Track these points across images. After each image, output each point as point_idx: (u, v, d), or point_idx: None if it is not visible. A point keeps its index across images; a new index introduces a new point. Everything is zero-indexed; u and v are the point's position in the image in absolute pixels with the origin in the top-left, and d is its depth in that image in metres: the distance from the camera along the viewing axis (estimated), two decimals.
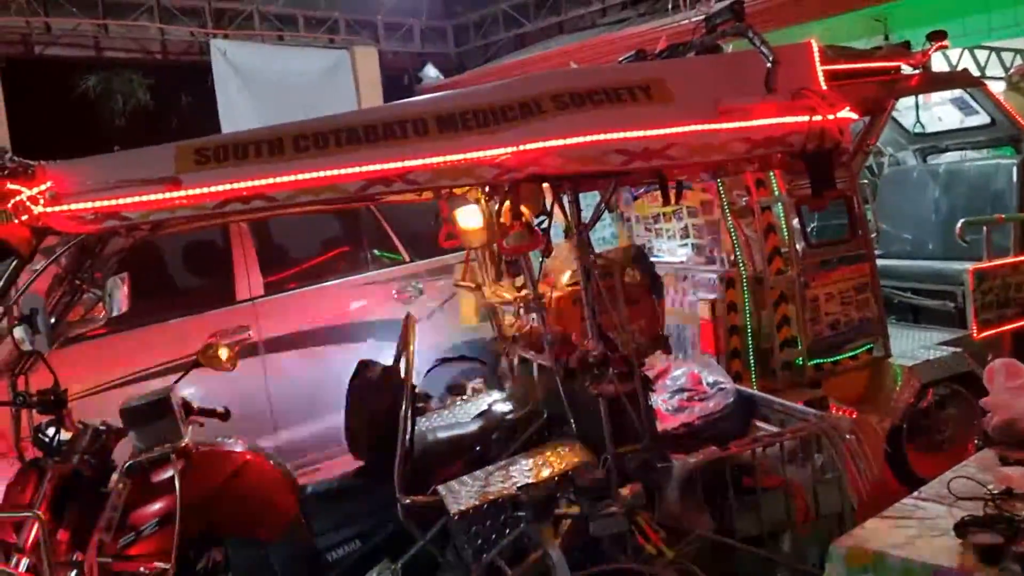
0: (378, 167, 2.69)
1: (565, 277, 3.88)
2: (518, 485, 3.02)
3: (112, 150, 2.99)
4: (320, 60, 14.36)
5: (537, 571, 2.82)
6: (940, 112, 6.08)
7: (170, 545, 3.06)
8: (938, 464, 3.51)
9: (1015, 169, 5.32)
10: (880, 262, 4.78)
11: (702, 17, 3.43)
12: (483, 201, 3.97)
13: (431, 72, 15.63)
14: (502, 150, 2.73)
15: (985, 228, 4.95)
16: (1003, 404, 2.90)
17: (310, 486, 3.80)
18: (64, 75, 12.30)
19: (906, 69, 4.58)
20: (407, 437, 3.33)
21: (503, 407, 3.93)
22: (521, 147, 2.72)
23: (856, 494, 3.26)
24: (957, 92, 5.56)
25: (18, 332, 3.01)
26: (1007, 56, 11.63)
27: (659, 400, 3.78)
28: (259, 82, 13.17)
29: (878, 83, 4.48)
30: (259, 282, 5.44)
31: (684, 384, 3.89)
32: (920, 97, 5.92)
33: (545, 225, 3.39)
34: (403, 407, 3.34)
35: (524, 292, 4.01)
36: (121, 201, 2.59)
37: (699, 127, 2.84)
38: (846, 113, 2.98)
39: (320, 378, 5.22)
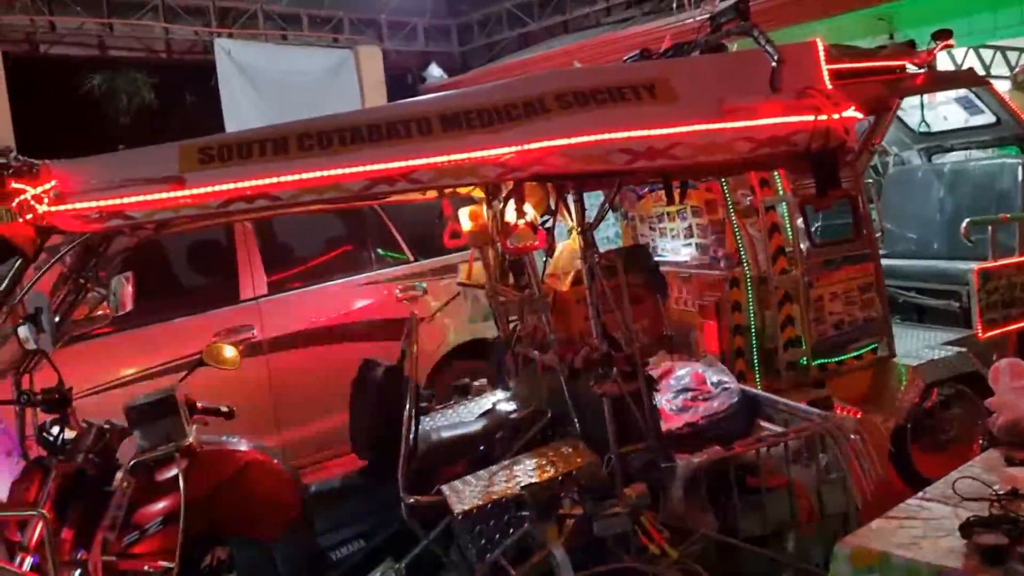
0: (382, 166, 2.69)
1: (569, 277, 3.87)
2: (522, 485, 3.02)
3: (116, 149, 3.00)
4: (324, 59, 14.37)
5: (541, 571, 2.82)
6: (945, 111, 6.07)
7: (174, 544, 3.06)
8: (943, 464, 3.50)
9: (1020, 168, 5.31)
10: (885, 262, 4.77)
11: (707, 16, 3.42)
12: (487, 200, 3.97)
13: (435, 71, 15.63)
14: (506, 149, 2.72)
15: (990, 228, 4.94)
16: (1008, 404, 2.90)
17: (314, 485, 3.79)
18: (68, 74, 12.31)
19: (911, 68, 4.56)
20: (411, 436, 3.33)
21: (507, 407, 3.93)
22: (525, 146, 2.72)
23: (860, 494, 3.25)
24: (962, 91, 5.55)
25: (23, 331, 3.02)
26: (1012, 55, 11.60)
27: (663, 400, 3.77)
28: (263, 81, 13.19)
29: (883, 82, 4.47)
30: (263, 281, 5.45)
31: (688, 384, 3.89)
32: (925, 96, 5.90)
33: (549, 225, 3.39)
34: (407, 406, 3.34)
35: (528, 291, 4.01)
36: (125, 200, 2.59)
37: (704, 126, 2.83)
38: (851, 112, 2.97)
39: (324, 377, 5.22)
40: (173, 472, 3.19)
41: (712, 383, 3.85)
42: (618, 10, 14.30)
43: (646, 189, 4.98)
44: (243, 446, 3.57)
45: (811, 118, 2.87)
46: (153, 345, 5.00)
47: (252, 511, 3.45)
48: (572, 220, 3.30)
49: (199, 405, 3.47)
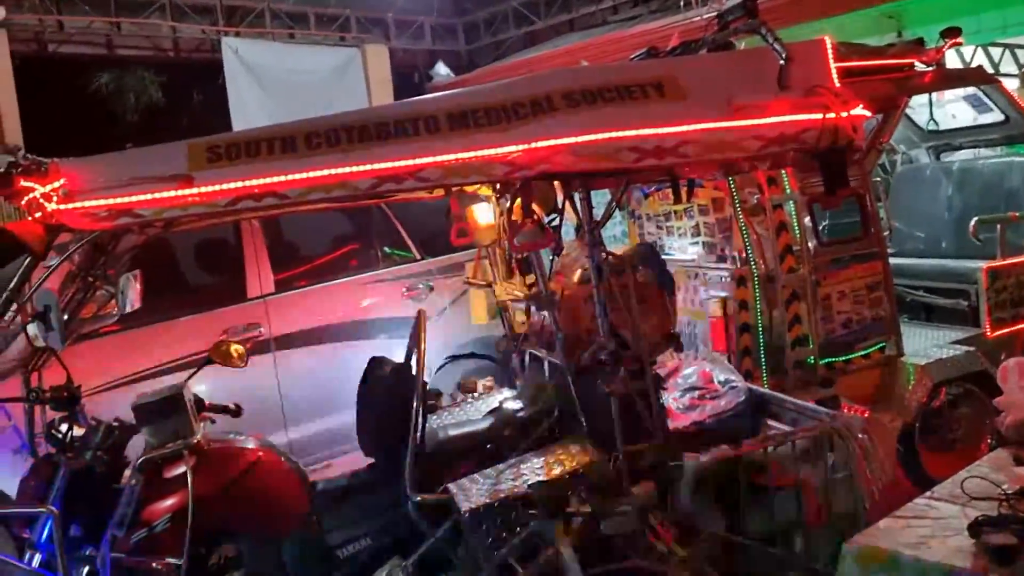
0: (389, 165, 2.70)
1: (576, 275, 3.87)
2: (529, 483, 3.03)
3: (124, 148, 3.01)
4: (331, 58, 14.39)
5: (548, 569, 2.82)
6: (954, 109, 6.05)
7: (182, 541, 3.08)
8: (951, 464, 3.49)
9: None
10: (893, 260, 4.75)
11: (714, 14, 3.41)
12: (494, 199, 3.97)
13: (442, 70, 15.63)
14: (513, 147, 2.73)
15: (999, 226, 4.92)
16: (1017, 403, 2.88)
17: (321, 483, 3.80)
18: (77, 73, 12.36)
19: (919, 66, 4.54)
20: (418, 434, 3.33)
21: (514, 405, 3.93)
22: (532, 144, 2.72)
23: (868, 493, 3.25)
24: (971, 89, 5.53)
25: (32, 328, 3.04)
26: (1021, 53, 11.54)
27: (670, 398, 3.77)
28: (270, 80, 13.22)
29: (891, 80, 4.45)
30: (270, 279, 5.45)
31: (695, 382, 3.88)
32: (934, 94, 5.89)
33: (556, 223, 3.39)
34: (414, 404, 3.34)
35: (535, 290, 4.01)
36: (134, 198, 2.61)
37: (712, 124, 2.83)
38: (859, 111, 2.96)
39: (331, 375, 5.23)
40: (181, 470, 3.20)
41: (719, 382, 3.84)
42: (625, 8, 14.28)
43: (653, 187, 4.97)
44: (251, 444, 3.58)
45: (820, 116, 2.87)
46: (161, 343, 5.01)
47: (260, 508, 3.46)
48: (579, 218, 3.30)
49: (207, 403, 3.48)
